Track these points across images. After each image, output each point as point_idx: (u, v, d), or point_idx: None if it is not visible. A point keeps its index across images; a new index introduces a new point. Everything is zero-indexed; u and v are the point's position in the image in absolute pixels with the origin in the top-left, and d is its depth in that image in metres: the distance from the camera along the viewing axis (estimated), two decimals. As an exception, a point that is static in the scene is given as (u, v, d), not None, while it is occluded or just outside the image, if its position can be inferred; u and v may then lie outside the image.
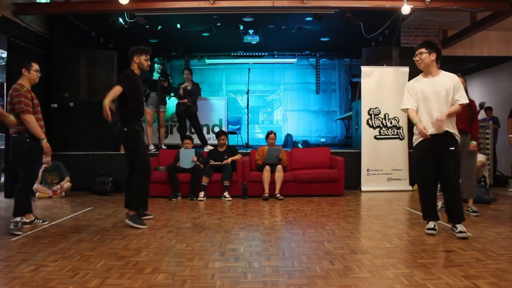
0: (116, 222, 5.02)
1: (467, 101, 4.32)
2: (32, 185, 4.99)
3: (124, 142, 4.99)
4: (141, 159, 4.90)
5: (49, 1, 8.07)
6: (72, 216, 5.48)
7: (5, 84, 8.12)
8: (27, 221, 4.84)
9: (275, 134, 7.63)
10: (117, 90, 4.62)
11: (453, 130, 4.29)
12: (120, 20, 8.16)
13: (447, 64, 10.51)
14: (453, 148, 4.26)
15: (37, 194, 6.97)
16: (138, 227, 4.72)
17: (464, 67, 11.20)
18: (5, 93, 5.91)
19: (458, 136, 4.33)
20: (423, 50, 4.31)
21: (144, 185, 5.00)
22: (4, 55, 12.19)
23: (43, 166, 7.09)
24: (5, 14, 6.98)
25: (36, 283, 2.97)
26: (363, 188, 7.68)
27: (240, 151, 7.71)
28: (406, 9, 7.04)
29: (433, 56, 4.30)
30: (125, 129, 4.80)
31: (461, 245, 3.88)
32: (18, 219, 4.61)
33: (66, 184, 7.25)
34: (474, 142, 5.30)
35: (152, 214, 5.36)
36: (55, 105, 8.01)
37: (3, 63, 13.57)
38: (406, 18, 8.39)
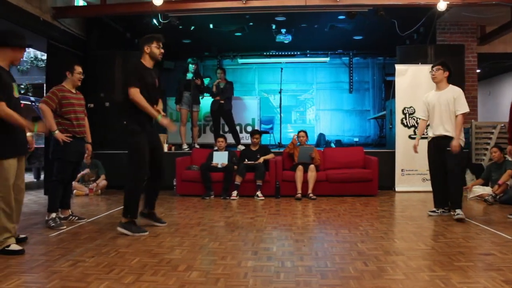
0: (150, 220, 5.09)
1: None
2: (62, 182, 4.87)
3: (125, 138, 4.45)
4: (134, 161, 4.44)
5: (86, 4, 8.30)
6: (108, 213, 5.62)
7: (44, 85, 8.43)
8: (62, 216, 5.00)
9: (305, 132, 7.57)
10: (139, 95, 4.30)
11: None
12: (154, 21, 8.28)
13: (485, 61, 10.22)
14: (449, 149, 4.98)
15: (74, 191, 7.16)
16: (129, 234, 4.31)
17: (503, 65, 10.85)
18: (44, 94, 6.13)
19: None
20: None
21: (133, 189, 4.48)
22: (44, 57, 12.69)
23: (86, 170, 7.34)
24: (46, 18, 7.22)
25: (74, 277, 3.06)
26: (397, 189, 7.53)
27: (272, 150, 7.70)
28: (442, 5, 6.88)
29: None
30: (125, 122, 4.47)
31: (500, 248, 3.76)
32: (53, 215, 4.76)
33: (102, 182, 7.43)
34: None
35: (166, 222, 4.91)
36: (92, 105, 8.22)
37: (43, 65, 14.13)
38: (442, 14, 8.17)
